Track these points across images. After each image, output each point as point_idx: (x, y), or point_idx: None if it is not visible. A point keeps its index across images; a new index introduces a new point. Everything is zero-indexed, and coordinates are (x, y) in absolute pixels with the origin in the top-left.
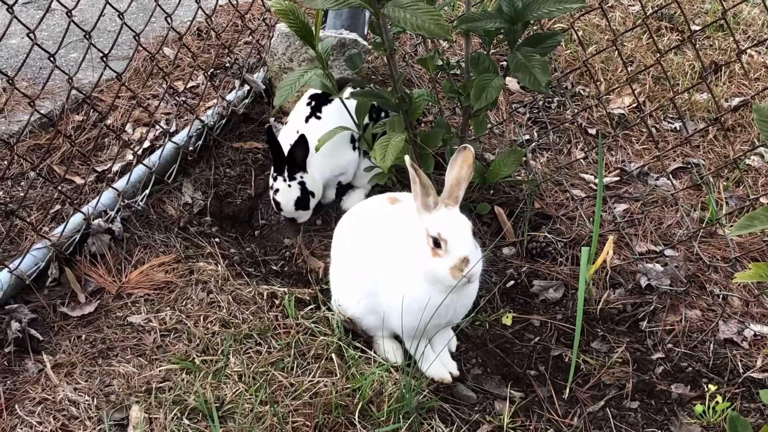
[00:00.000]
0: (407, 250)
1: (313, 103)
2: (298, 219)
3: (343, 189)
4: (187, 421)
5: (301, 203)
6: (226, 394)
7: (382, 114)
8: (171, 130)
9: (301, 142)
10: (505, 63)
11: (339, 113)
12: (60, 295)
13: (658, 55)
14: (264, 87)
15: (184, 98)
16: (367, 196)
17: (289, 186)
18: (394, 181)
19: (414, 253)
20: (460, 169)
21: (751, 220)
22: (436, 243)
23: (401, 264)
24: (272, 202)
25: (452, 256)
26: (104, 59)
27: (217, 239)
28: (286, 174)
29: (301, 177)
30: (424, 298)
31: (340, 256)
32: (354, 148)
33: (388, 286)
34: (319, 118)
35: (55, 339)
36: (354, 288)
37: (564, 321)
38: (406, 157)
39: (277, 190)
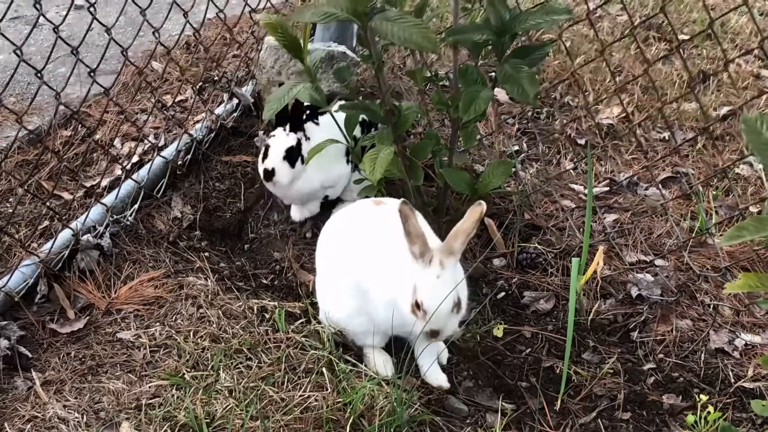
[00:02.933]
0: (395, 253)
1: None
2: (276, 177)
3: (332, 203)
4: None
5: (291, 155)
6: (216, 410)
7: (373, 129)
8: (159, 145)
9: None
10: (493, 74)
11: (328, 129)
12: (49, 312)
13: (647, 65)
14: (253, 100)
15: (172, 112)
16: None
17: (287, 135)
18: (383, 193)
19: (398, 288)
20: (464, 221)
21: (740, 230)
22: (417, 305)
23: (389, 262)
24: (260, 157)
25: (426, 325)
26: (92, 74)
27: (206, 253)
28: (288, 126)
29: (303, 136)
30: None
31: (326, 260)
32: (348, 162)
33: (376, 283)
34: (308, 138)
35: (45, 356)
36: (340, 290)
37: (555, 332)
38: (399, 203)
39: (273, 136)
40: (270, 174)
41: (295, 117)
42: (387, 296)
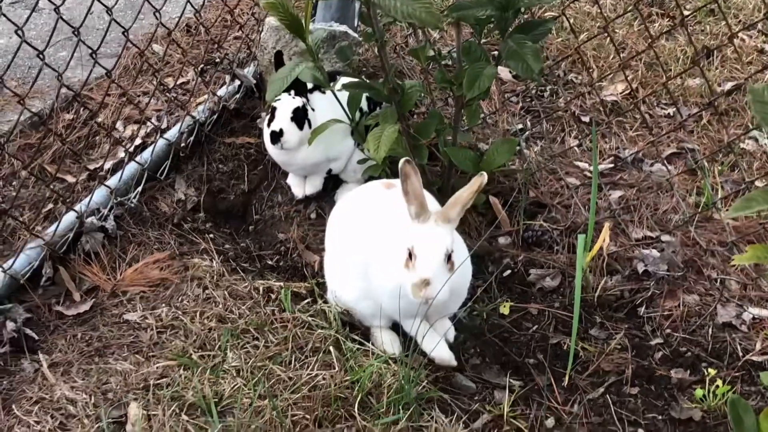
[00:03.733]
0: (401, 243)
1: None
2: (284, 138)
3: (333, 184)
4: (185, 417)
5: (298, 116)
6: (224, 389)
7: (378, 107)
8: (162, 127)
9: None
10: (496, 53)
11: (334, 100)
12: (55, 294)
13: (650, 40)
14: (255, 81)
15: (174, 94)
16: None
17: (293, 98)
18: (388, 172)
19: (395, 255)
20: (463, 190)
21: (749, 202)
22: (409, 254)
23: (394, 251)
24: (265, 123)
25: (416, 273)
26: (93, 56)
27: (211, 235)
28: (293, 91)
29: (308, 102)
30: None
31: (335, 241)
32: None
33: (379, 268)
34: (313, 109)
35: (51, 338)
36: (348, 272)
37: (562, 309)
38: (402, 161)
39: (279, 99)
40: (277, 136)
41: (299, 83)
42: (391, 284)
